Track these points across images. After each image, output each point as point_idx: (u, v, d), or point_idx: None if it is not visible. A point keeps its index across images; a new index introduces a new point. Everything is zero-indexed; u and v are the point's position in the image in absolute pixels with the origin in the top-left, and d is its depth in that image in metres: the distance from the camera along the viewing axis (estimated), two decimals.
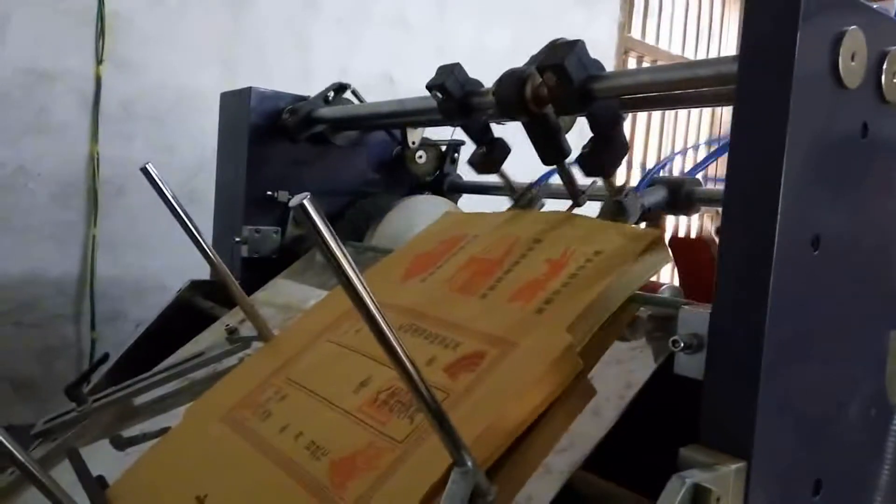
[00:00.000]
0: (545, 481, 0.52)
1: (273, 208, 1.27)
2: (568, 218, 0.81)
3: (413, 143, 1.28)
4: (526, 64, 0.80)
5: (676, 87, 0.69)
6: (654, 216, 0.94)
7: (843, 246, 0.53)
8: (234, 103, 1.28)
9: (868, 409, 0.58)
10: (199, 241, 0.81)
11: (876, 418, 0.59)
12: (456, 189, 1.39)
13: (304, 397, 0.72)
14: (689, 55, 3.97)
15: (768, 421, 0.48)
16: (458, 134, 1.32)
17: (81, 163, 1.85)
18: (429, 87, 0.89)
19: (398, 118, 1.14)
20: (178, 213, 0.78)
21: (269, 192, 1.25)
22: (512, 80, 0.77)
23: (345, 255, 0.43)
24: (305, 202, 0.41)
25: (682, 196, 0.94)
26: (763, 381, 0.47)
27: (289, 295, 1.08)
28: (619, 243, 0.71)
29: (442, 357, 0.67)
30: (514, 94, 0.77)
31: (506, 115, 0.80)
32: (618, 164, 0.75)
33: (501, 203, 1.23)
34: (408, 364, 0.46)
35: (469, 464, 0.50)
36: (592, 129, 0.76)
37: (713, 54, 4.10)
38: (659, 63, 3.64)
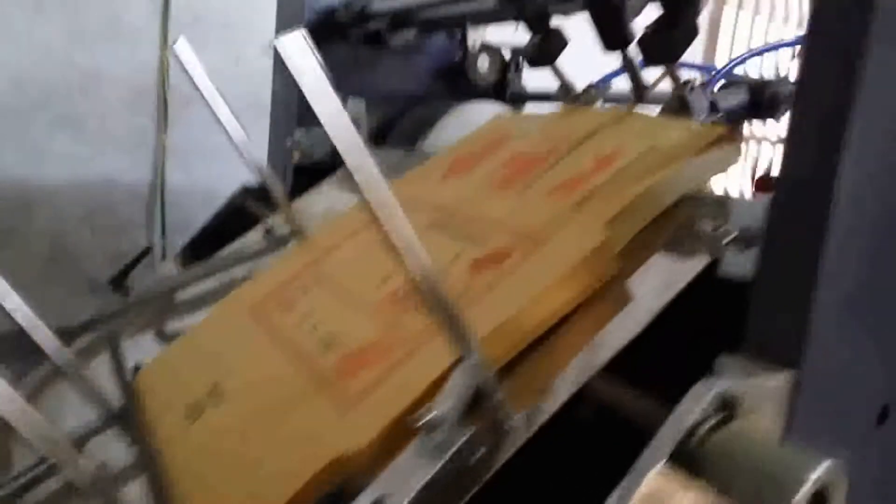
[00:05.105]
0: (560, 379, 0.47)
1: None
2: (627, 115, 0.72)
3: (474, 42, 1.20)
4: None
5: None
6: (729, 121, 0.84)
7: None
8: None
9: None
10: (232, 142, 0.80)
11: None
12: (519, 98, 1.31)
13: (327, 291, 0.69)
14: None
15: (824, 327, 0.40)
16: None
17: (153, 70, 1.86)
18: None
19: (453, 6, 1.05)
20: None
21: None
22: None
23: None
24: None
25: (765, 98, 0.83)
26: (821, 279, 0.39)
27: (333, 200, 1.05)
28: (677, 139, 0.63)
29: (468, 253, 0.62)
30: None
31: None
32: (684, 48, 0.65)
33: None
34: (414, 252, 0.41)
35: (475, 359, 0.45)
36: (663, 5, 0.67)
37: None
38: None
